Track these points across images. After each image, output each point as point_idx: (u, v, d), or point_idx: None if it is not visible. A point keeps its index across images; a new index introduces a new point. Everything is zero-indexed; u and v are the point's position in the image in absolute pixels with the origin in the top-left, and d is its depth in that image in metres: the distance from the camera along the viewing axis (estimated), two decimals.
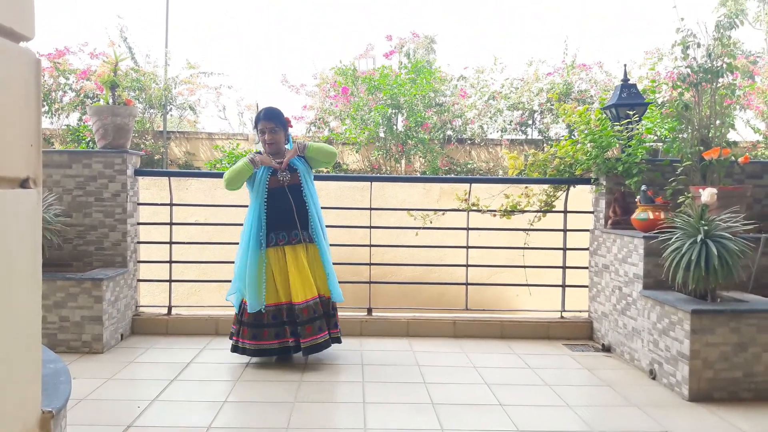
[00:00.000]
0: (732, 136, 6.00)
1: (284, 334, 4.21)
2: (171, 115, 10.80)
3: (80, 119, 9.01)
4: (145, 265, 5.48)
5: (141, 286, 5.55)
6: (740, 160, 4.66)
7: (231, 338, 4.37)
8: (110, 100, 4.96)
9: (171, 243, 5.32)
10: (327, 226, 5.62)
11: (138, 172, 5.14)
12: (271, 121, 4.36)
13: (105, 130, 4.87)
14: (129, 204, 4.96)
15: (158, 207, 5.64)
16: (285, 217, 4.27)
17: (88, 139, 8.45)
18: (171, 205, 5.34)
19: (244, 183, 4.34)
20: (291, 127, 4.55)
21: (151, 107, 9.95)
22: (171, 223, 5.32)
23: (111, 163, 4.89)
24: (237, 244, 4.47)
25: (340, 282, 4.41)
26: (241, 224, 4.46)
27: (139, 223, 5.23)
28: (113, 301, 4.64)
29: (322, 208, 6.58)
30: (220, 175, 7.92)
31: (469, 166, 9.95)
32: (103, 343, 4.47)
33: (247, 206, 4.44)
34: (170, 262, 5.33)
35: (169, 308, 5.22)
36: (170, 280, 5.32)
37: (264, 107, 4.46)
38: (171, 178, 5.58)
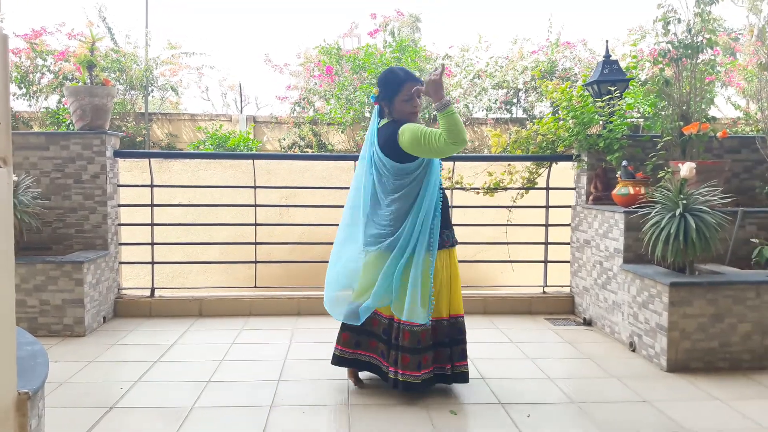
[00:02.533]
0: (713, 112, 6.03)
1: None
2: (152, 96, 10.69)
3: (59, 101, 8.90)
4: (128, 247, 5.46)
5: (125, 269, 5.54)
6: (719, 135, 4.69)
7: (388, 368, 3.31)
8: (88, 81, 4.90)
9: (152, 225, 5.30)
10: (317, 206, 5.61)
11: (117, 154, 5.10)
12: (418, 80, 3.37)
13: (83, 111, 4.81)
14: (109, 186, 4.92)
15: (141, 190, 5.59)
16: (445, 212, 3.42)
17: (68, 121, 8.35)
18: (152, 186, 5.31)
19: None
20: None
21: (132, 89, 9.83)
22: (152, 205, 5.29)
23: (89, 144, 4.84)
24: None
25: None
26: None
27: (119, 205, 5.19)
28: (94, 283, 4.62)
29: (307, 188, 6.59)
30: (202, 156, 7.92)
31: None
32: (85, 326, 4.46)
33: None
34: (152, 244, 5.31)
35: (152, 290, 5.21)
36: (152, 262, 5.30)
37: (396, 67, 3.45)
38: (152, 159, 5.54)
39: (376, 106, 3.43)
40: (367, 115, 9.39)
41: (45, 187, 4.82)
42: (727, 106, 10.19)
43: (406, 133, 3.18)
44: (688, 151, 4.64)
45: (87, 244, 4.88)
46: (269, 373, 3.69)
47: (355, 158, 6.31)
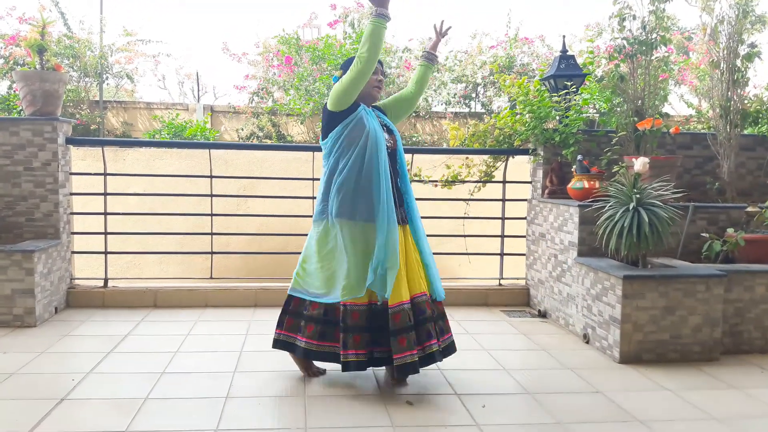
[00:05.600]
0: (667, 110, 6.16)
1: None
2: (107, 84, 10.47)
3: (10, 87, 8.64)
4: (82, 237, 5.34)
5: (78, 259, 5.42)
6: (671, 130, 4.80)
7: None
8: (38, 65, 4.76)
9: (105, 214, 5.19)
10: (273, 197, 5.56)
11: (70, 141, 4.97)
12: (381, 63, 3.44)
13: (33, 97, 4.68)
14: (60, 174, 4.80)
15: (95, 180, 5.46)
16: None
17: (20, 108, 8.12)
18: (105, 174, 5.20)
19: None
20: None
21: (86, 76, 9.62)
22: (105, 194, 5.18)
23: (40, 130, 4.71)
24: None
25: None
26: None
27: (72, 194, 5.07)
28: (46, 273, 4.51)
29: (265, 178, 6.54)
30: (157, 144, 7.79)
31: (413, 138, 9.96)
32: (36, 316, 4.35)
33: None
34: (105, 233, 5.20)
35: (106, 280, 5.11)
36: (105, 252, 5.20)
37: None
38: (106, 148, 5.42)
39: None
40: None
41: None
42: (680, 104, 10.44)
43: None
44: (642, 146, 4.73)
45: (38, 233, 4.76)
46: (225, 365, 3.65)
47: (314, 149, 6.28)
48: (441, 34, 3.68)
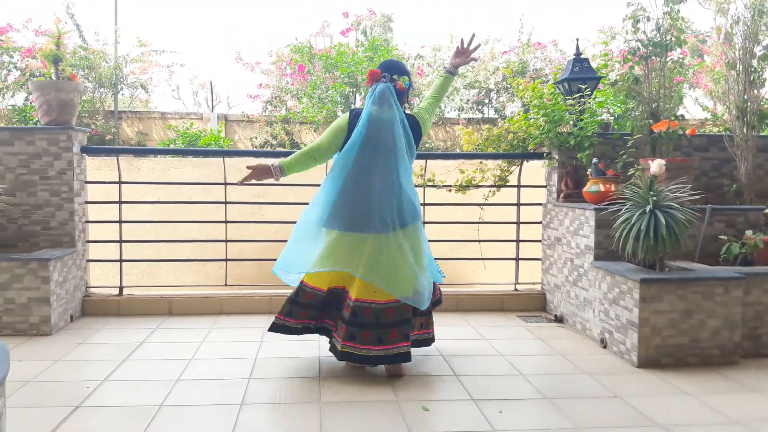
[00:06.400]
0: (682, 113, 6.11)
1: None
2: (122, 94, 10.56)
3: (27, 99, 8.74)
4: (97, 245, 5.37)
5: (93, 268, 5.45)
6: (687, 132, 4.75)
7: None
8: (54, 75, 4.80)
9: (120, 222, 5.21)
10: (289, 204, 5.55)
11: (85, 150, 5.00)
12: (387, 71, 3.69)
13: (49, 106, 4.71)
14: (76, 182, 4.83)
15: (110, 189, 5.48)
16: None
17: (36, 119, 8.20)
18: (120, 183, 5.22)
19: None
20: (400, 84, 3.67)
21: (101, 86, 9.70)
22: (120, 202, 5.20)
23: (56, 140, 4.74)
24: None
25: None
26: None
27: (87, 202, 5.10)
28: (61, 281, 4.53)
29: (279, 185, 6.53)
30: (171, 152, 7.83)
31: (427, 144, 9.95)
32: (52, 324, 4.36)
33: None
34: (120, 241, 5.22)
35: (121, 288, 5.12)
36: (120, 260, 5.21)
37: None
38: (121, 157, 5.45)
39: (395, 92, 3.61)
40: (340, 113, 9.37)
41: (10, 183, 4.71)
42: (695, 107, 10.37)
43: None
44: (658, 148, 4.69)
45: (54, 241, 4.79)
46: (240, 372, 3.64)
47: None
48: (468, 50, 3.93)
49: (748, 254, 4.25)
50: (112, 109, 9.96)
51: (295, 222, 3.88)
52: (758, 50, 4.98)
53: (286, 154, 7.90)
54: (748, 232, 4.34)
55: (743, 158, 4.99)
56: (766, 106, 5.11)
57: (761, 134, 5.22)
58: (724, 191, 5.10)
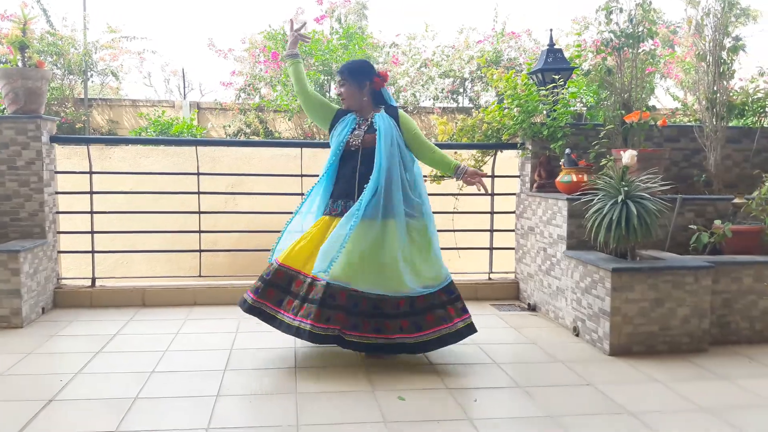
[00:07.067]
0: (653, 103, 6.19)
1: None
2: (92, 81, 10.37)
3: None
4: (68, 236, 5.29)
5: (65, 259, 5.38)
6: (659, 123, 4.82)
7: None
8: (20, 63, 4.70)
9: (92, 213, 5.14)
10: (263, 194, 5.52)
11: (54, 139, 4.91)
12: (339, 74, 3.97)
13: (15, 95, 4.62)
14: (45, 172, 4.75)
15: (81, 179, 5.40)
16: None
17: (3, 107, 8.03)
18: (90, 173, 5.15)
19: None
20: (378, 81, 4.00)
21: (71, 73, 9.52)
22: (91, 192, 5.13)
23: (24, 129, 4.66)
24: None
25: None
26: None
27: (57, 193, 5.02)
28: (32, 273, 4.46)
29: (253, 175, 6.51)
30: (143, 141, 7.72)
31: None
32: (23, 317, 4.30)
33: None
34: (92, 232, 5.15)
35: (93, 280, 5.06)
36: (92, 251, 5.15)
37: None
38: (92, 146, 5.37)
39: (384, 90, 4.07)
40: None
41: None
42: (666, 97, 10.50)
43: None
44: (630, 139, 4.75)
45: (23, 232, 4.71)
46: (215, 363, 3.63)
47: (302, 145, 6.25)
48: (296, 30, 4.06)
49: (717, 243, 4.33)
50: (82, 96, 9.79)
51: (268, 213, 3.95)
52: (728, 42, 5.06)
53: (260, 144, 7.85)
54: (717, 222, 4.42)
55: (712, 149, 5.08)
56: (735, 97, 5.20)
57: (730, 125, 5.31)
58: (694, 181, 5.18)
